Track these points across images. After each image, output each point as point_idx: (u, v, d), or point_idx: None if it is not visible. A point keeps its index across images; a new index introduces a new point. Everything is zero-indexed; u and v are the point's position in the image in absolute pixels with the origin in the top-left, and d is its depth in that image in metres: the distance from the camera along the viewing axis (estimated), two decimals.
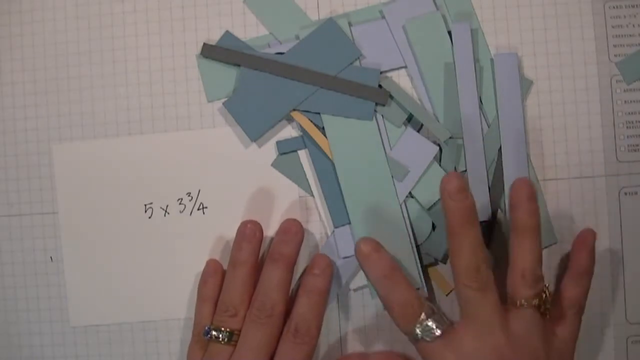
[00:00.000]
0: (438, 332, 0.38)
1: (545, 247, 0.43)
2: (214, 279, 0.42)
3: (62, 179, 0.45)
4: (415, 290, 0.40)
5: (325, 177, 0.44)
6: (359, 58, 0.43)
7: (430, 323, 0.38)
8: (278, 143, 0.44)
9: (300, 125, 0.44)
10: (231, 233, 0.44)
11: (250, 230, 0.42)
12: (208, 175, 0.45)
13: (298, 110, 0.43)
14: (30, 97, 0.45)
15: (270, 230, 0.44)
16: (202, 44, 0.44)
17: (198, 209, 0.44)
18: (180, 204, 0.45)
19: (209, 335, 0.40)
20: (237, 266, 0.41)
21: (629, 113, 0.44)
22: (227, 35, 0.45)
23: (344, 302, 0.44)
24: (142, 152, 0.45)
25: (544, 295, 0.39)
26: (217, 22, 0.45)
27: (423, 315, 0.38)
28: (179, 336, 0.45)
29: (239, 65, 0.44)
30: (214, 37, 0.45)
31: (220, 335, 0.39)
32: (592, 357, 0.43)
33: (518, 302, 0.39)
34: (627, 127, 0.44)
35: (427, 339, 0.38)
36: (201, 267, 0.44)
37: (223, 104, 0.44)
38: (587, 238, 0.41)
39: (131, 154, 0.45)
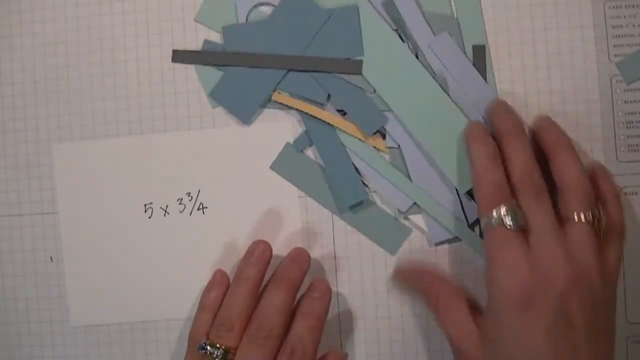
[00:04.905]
0: (511, 225, 0.38)
1: None
2: (218, 289, 0.42)
3: (62, 179, 0.45)
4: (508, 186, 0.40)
5: (332, 155, 0.43)
6: (329, 18, 0.43)
7: (509, 214, 0.38)
8: (291, 145, 0.44)
9: (300, 112, 0.44)
10: (231, 233, 0.44)
11: (260, 250, 0.41)
12: (208, 175, 0.45)
13: (280, 90, 0.44)
14: (30, 97, 0.45)
15: (270, 232, 0.44)
16: (202, 43, 0.45)
17: (198, 209, 0.44)
18: (180, 204, 0.45)
19: (203, 351, 0.39)
20: (241, 282, 0.41)
21: (629, 113, 0.44)
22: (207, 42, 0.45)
23: (343, 303, 0.44)
24: (142, 152, 0.45)
25: (597, 212, 0.38)
26: None
27: (505, 206, 0.38)
28: (179, 336, 0.45)
29: (213, 65, 0.44)
30: (214, 37, 0.45)
31: (215, 352, 0.39)
32: None
33: (572, 218, 0.38)
34: (627, 127, 0.44)
35: (500, 227, 0.38)
36: (201, 267, 0.44)
37: (208, 94, 0.44)
38: (598, 170, 0.41)
39: (131, 154, 0.45)
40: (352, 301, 0.44)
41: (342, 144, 0.44)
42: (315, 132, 0.44)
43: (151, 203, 0.45)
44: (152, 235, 0.45)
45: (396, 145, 0.43)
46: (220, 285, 0.42)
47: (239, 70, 0.44)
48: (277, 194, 0.44)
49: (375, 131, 0.43)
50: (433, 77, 0.43)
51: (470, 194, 0.43)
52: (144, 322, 0.45)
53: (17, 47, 0.46)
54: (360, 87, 0.43)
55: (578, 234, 0.38)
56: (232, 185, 0.44)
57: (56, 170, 0.45)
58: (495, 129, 0.41)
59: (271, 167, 0.44)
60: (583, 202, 0.38)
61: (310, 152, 0.44)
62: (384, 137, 0.44)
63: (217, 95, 0.44)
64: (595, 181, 0.41)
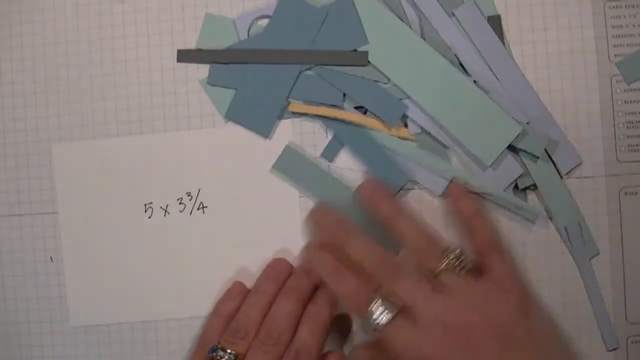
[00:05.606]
0: (390, 317, 0.37)
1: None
2: (236, 300, 0.42)
3: (62, 179, 0.45)
4: (363, 279, 0.39)
5: (366, 152, 0.44)
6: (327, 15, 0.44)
7: (380, 311, 0.38)
8: (324, 154, 0.44)
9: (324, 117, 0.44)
10: (231, 232, 0.44)
11: (281, 268, 0.43)
12: (208, 174, 0.45)
13: (294, 99, 0.44)
14: (30, 97, 0.45)
15: (270, 231, 0.44)
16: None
17: (198, 209, 0.44)
18: (180, 203, 0.45)
19: (214, 353, 0.39)
20: (259, 294, 0.41)
21: (629, 113, 0.44)
22: (208, 16, 0.45)
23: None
24: (142, 152, 0.45)
25: (450, 254, 0.39)
26: None
27: (372, 307, 0.38)
28: (179, 336, 0.45)
29: (223, 63, 0.44)
30: None
31: (225, 357, 0.39)
32: (592, 357, 0.43)
33: (436, 272, 0.39)
34: (627, 127, 0.44)
35: (379, 326, 0.38)
36: (201, 266, 0.44)
37: (225, 116, 0.44)
38: (453, 190, 0.42)
39: (131, 154, 0.45)
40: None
41: (371, 138, 0.43)
42: (342, 134, 0.44)
43: (151, 203, 0.45)
44: (152, 235, 0.45)
45: (419, 131, 0.43)
46: (238, 296, 0.43)
47: (250, 85, 0.44)
48: (277, 193, 0.44)
49: (397, 120, 0.43)
50: (442, 55, 0.43)
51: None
52: (143, 322, 0.45)
53: (17, 47, 0.46)
54: (374, 80, 0.43)
55: (446, 283, 0.38)
56: (232, 185, 0.44)
57: (56, 170, 0.45)
58: (328, 236, 0.42)
59: (271, 170, 0.44)
60: (432, 257, 0.39)
61: (340, 155, 0.44)
62: (405, 125, 0.44)
63: (233, 115, 0.44)
64: (453, 205, 0.42)
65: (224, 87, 0.44)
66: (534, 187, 0.43)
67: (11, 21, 0.46)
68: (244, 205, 0.44)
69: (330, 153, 0.44)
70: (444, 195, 0.43)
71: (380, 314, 0.38)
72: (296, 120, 0.44)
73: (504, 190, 0.43)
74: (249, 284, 0.43)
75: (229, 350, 0.39)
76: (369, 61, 0.43)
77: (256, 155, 0.44)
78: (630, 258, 0.43)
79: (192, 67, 0.45)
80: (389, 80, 0.43)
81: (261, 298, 0.41)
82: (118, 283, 0.45)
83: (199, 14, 0.45)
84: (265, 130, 0.44)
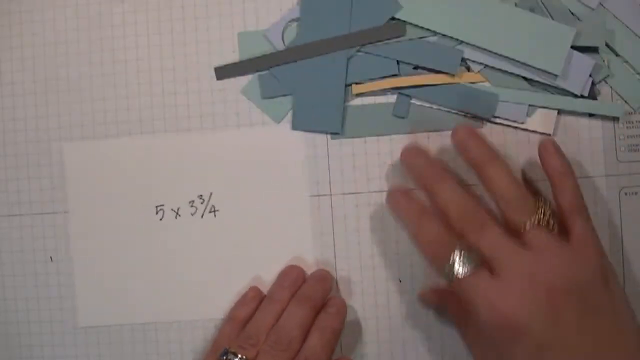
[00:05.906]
0: (467, 269, 0.37)
1: None
2: (251, 305, 0.43)
3: (73, 179, 0.45)
4: (446, 227, 0.39)
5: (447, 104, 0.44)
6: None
7: (460, 261, 0.37)
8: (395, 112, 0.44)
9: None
10: (242, 236, 0.44)
11: (294, 276, 0.43)
12: (220, 177, 0.44)
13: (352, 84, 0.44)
14: (30, 97, 0.45)
15: (282, 235, 0.44)
16: (202, 44, 0.45)
17: (209, 212, 0.44)
18: (191, 206, 0.44)
19: (225, 357, 0.40)
20: (273, 302, 0.42)
21: (629, 113, 0.44)
22: (242, 35, 0.45)
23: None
24: (154, 154, 0.45)
25: (540, 210, 0.38)
26: (218, 21, 0.45)
27: (453, 255, 0.37)
28: (179, 337, 0.45)
29: (265, 70, 0.44)
30: (214, 37, 0.45)
31: None
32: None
33: (521, 229, 0.38)
34: (627, 127, 0.44)
35: (459, 276, 0.37)
36: (211, 269, 0.44)
37: (292, 128, 0.44)
38: (547, 145, 0.41)
39: (142, 156, 0.45)
40: (352, 301, 0.44)
41: (439, 92, 0.43)
42: (417, 98, 0.44)
43: (162, 205, 0.44)
44: (163, 238, 0.44)
45: (483, 68, 0.43)
46: (253, 301, 0.43)
47: (304, 87, 0.44)
48: (287, 195, 0.44)
49: (457, 67, 0.43)
50: None
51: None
52: (144, 323, 0.45)
53: (17, 47, 0.46)
54: (420, 37, 0.43)
55: (533, 238, 0.37)
56: (244, 188, 0.44)
57: (67, 170, 0.45)
58: (417, 177, 0.41)
59: (344, 134, 0.44)
60: (521, 211, 0.38)
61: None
62: (467, 69, 0.44)
63: (300, 123, 0.44)
64: (544, 157, 0.40)
65: (278, 96, 0.44)
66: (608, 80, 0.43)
67: (11, 21, 0.46)
68: (255, 208, 0.44)
69: (400, 109, 0.44)
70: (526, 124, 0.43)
71: (461, 265, 0.37)
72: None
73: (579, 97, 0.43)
74: (260, 288, 0.44)
75: (239, 355, 0.40)
76: (407, 23, 0.43)
77: (268, 157, 0.44)
78: (631, 258, 0.43)
79: (193, 67, 0.45)
80: (435, 33, 0.43)
81: (275, 306, 0.41)
82: (128, 285, 0.44)
83: (198, 13, 0.45)
84: (336, 126, 0.44)
